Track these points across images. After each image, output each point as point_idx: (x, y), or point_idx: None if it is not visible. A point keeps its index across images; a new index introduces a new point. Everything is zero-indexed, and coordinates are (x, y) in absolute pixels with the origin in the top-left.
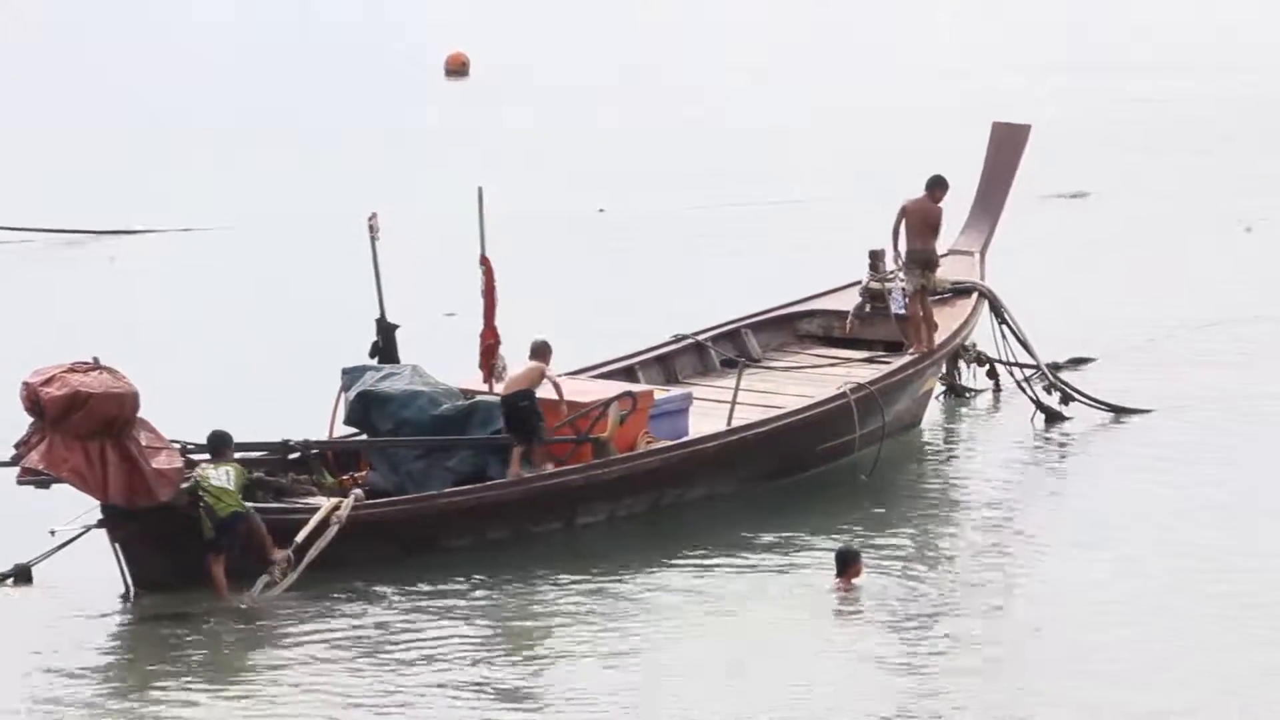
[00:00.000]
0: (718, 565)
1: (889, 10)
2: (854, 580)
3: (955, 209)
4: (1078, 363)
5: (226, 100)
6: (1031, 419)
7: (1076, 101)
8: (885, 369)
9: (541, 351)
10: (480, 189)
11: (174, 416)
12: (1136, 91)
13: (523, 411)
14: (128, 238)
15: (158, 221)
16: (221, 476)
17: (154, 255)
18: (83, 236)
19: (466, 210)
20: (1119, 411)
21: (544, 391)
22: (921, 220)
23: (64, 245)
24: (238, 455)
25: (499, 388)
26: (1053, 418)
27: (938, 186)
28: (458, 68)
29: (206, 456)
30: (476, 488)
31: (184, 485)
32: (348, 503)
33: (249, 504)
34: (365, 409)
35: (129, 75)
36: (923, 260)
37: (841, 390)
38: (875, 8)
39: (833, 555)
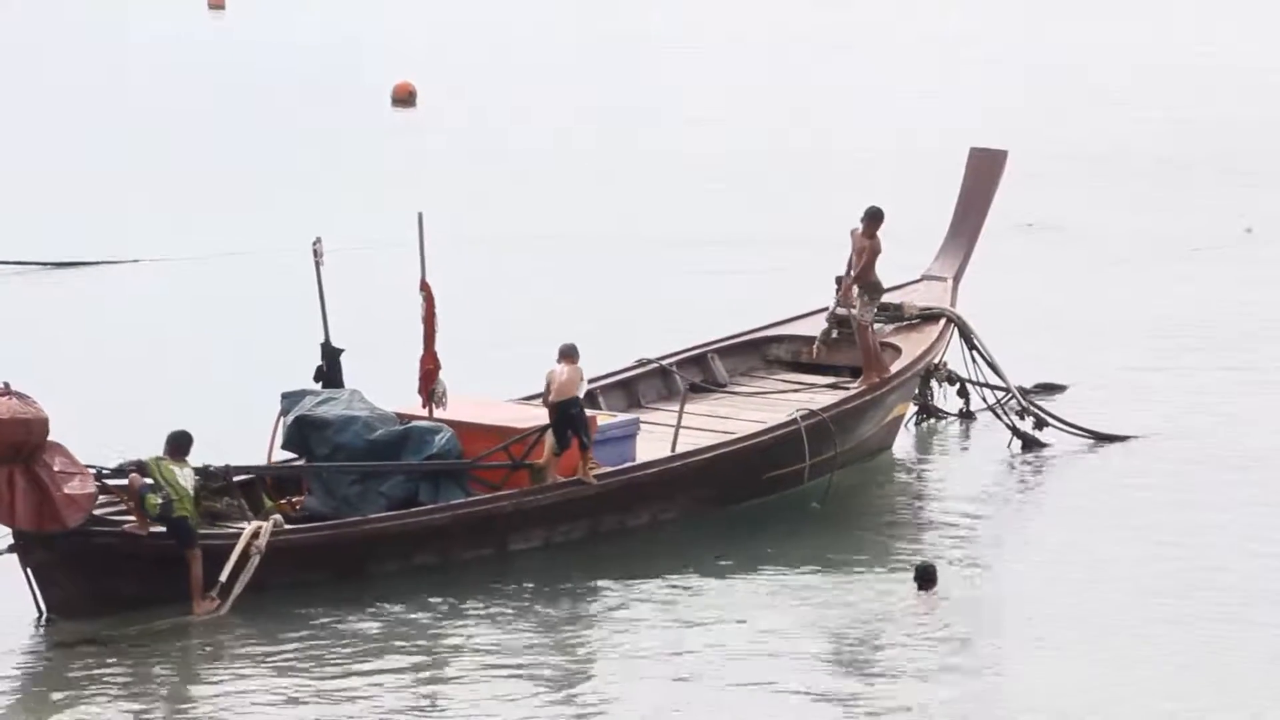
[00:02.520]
0: (650, 591)
1: (861, 36)
2: (933, 594)
3: (930, 234)
4: (1048, 389)
5: (170, 128)
6: (1008, 445)
7: (1046, 130)
8: (839, 396)
9: (571, 354)
10: (420, 214)
11: (114, 440)
12: (1105, 121)
13: (573, 419)
14: (76, 270)
15: (102, 253)
16: (187, 477)
17: (98, 285)
18: (31, 267)
19: (412, 236)
20: (1096, 437)
21: (477, 416)
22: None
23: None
24: None
25: (441, 412)
26: (1029, 444)
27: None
28: (405, 97)
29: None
30: (400, 513)
31: (141, 462)
32: (266, 529)
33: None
34: (302, 433)
35: (71, 106)
36: (883, 290)
37: (792, 417)
38: (843, 34)
39: (913, 570)
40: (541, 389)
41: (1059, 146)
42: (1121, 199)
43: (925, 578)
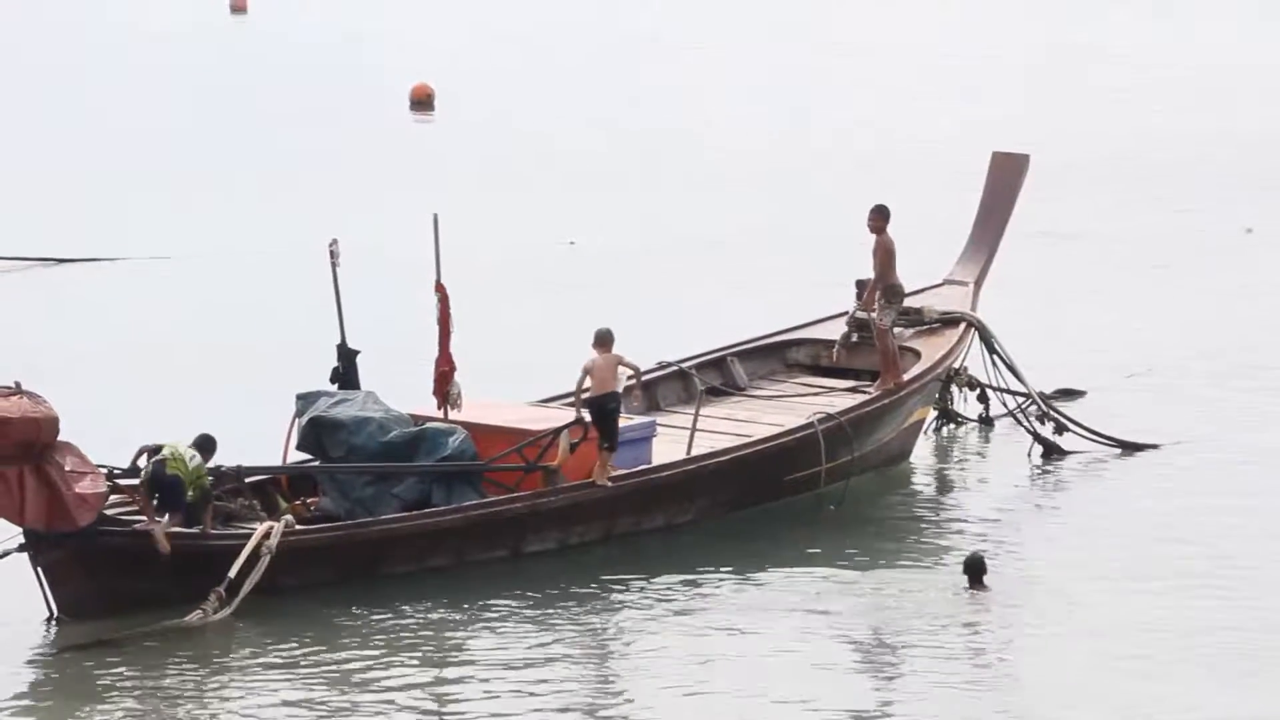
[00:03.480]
0: (667, 593)
1: (883, 40)
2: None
3: (953, 238)
4: (1067, 394)
5: (188, 128)
6: (1028, 452)
7: (1065, 135)
8: (857, 399)
9: (607, 339)
10: (435, 216)
11: (126, 440)
12: (1122, 124)
13: (610, 414)
14: (88, 265)
15: (117, 250)
16: (193, 457)
17: (115, 283)
18: (44, 263)
19: (428, 239)
20: (1117, 445)
21: (491, 418)
22: (894, 253)
23: (17, 271)
24: None
25: (456, 414)
26: (1050, 450)
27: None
28: (423, 99)
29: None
30: (414, 514)
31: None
32: (278, 529)
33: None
34: (316, 434)
35: (82, 99)
36: (903, 293)
37: (809, 420)
38: (869, 35)
39: (963, 563)
40: (569, 387)
41: (1078, 151)
42: (1139, 203)
43: (975, 572)
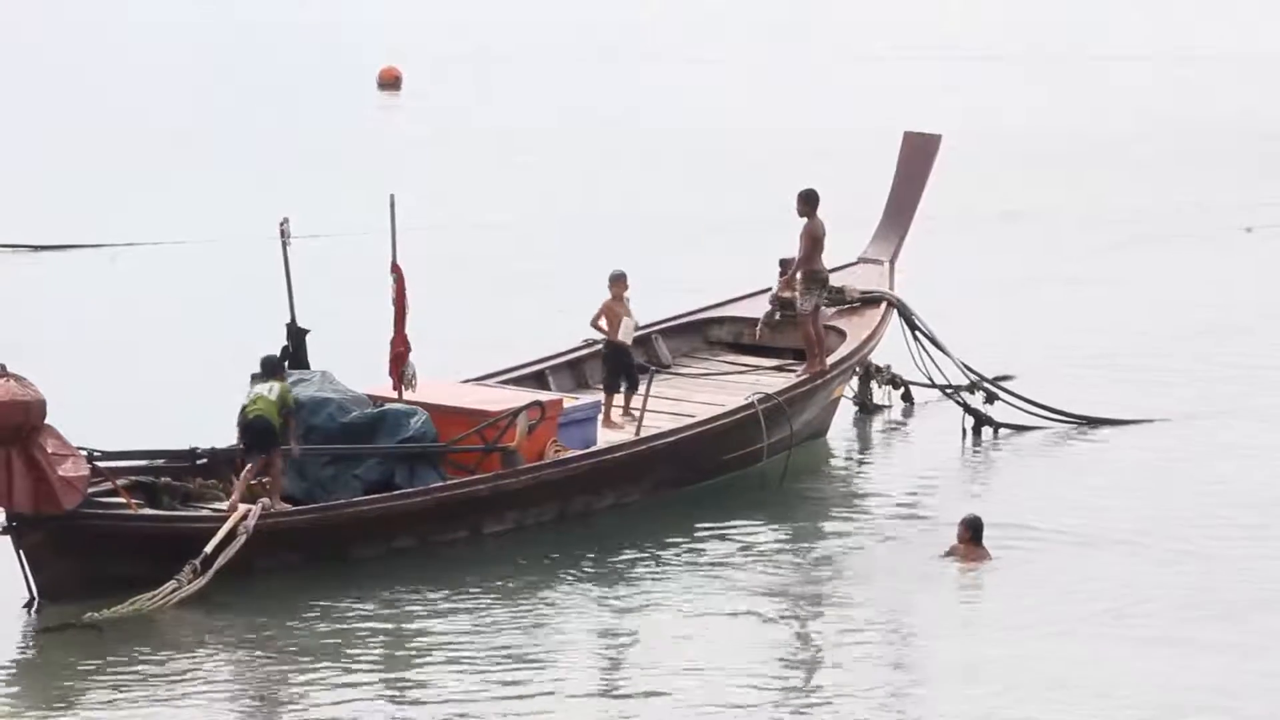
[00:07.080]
0: (621, 571)
1: (809, 22)
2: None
3: (867, 218)
4: (1000, 380)
5: (152, 110)
6: (972, 428)
7: (1001, 119)
8: (793, 379)
9: (612, 281)
10: (392, 196)
11: (86, 423)
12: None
13: (626, 366)
14: (41, 253)
15: (75, 235)
16: (265, 389)
17: (70, 268)
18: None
19: (386, 220)
20: (1046, 411)
21: (448, 398)
22: (820, 240)
23: None
24: (140, 463)
25: (411, 394)
26: (981, 420)
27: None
28: (390, 81)
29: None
30: (383, 497)
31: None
32: (255, 511)
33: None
34: None
35: (49, 87)
36: (824, 280)
37: (749, 400)
38: (796, 20)
39: (962, 523)
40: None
41: (1035, 134)
42: (1093, 186)
43: (974, 531)
